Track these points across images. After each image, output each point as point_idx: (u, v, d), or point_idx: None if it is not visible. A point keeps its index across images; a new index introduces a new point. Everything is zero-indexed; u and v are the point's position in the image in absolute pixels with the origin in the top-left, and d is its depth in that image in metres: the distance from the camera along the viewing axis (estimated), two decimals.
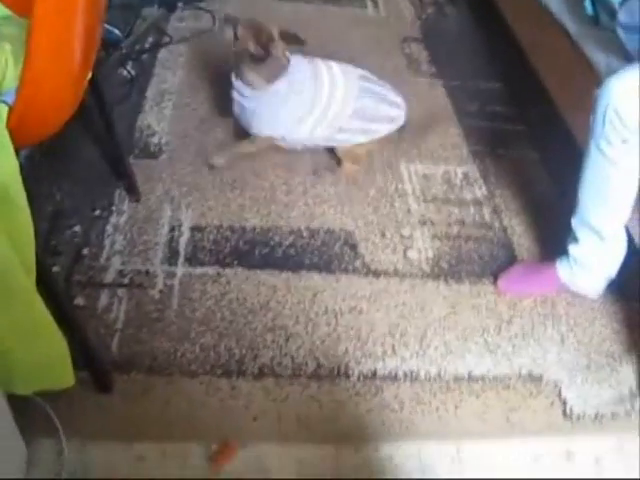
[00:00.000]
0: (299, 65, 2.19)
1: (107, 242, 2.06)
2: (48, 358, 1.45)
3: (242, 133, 2.36)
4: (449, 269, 2.13)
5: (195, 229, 2.14)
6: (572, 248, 1.97)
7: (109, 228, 2.10)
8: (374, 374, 1.81)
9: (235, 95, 2.22)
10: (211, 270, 2.02)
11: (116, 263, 2.00)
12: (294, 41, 2.14)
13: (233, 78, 2.19)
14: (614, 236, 1.91)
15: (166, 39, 3.01)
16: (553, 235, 2.14)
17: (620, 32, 1.98)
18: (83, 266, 1.98)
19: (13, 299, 1.31)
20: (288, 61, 2.15)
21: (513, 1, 3.03)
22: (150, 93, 2.70)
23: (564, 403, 1.80)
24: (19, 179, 1.25)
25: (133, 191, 2.21)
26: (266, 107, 2.19)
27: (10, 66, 1.20)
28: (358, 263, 2.11)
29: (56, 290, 1.56)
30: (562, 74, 2.46)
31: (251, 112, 2.21)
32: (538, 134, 2.69)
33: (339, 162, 2.40)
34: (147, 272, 1.99)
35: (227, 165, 2.34)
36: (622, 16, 1.98)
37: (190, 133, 2.52)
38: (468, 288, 2.08)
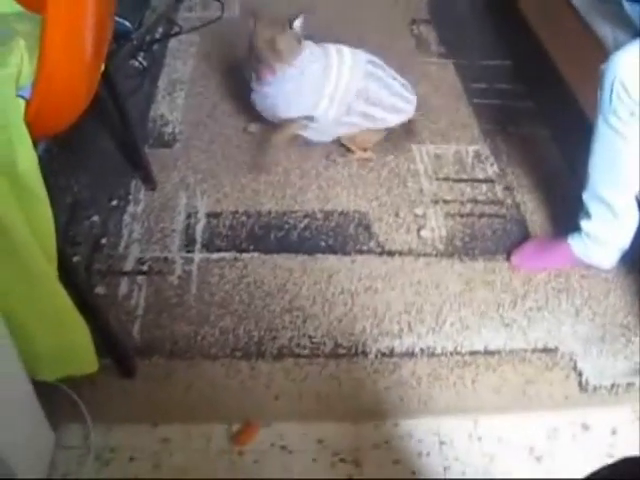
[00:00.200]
0: (310, 47, 2.24)
1: (125, 231, 2.10)
2: (72, 344, 1.49)
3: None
4: (463, 247, 2.14)
5: (211, 215, 2.17)
6: (584, 222, 1.98)
7: (126, 217, 2.14)
8: (391, 351, 1.83)
9: (255, 86, 2.27)
10: (228, 255, 2.05)
11: (135, 251, 2.04)
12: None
13: (251, 70, 2.25)
14: (626, 208, 1.91)
15: (176, 29, 3.03)
16: (565, 210, 2.15)
17: (626, 5, 1.98)
18: (102, 255, 2.02)
19: (36, 287, 1.35)
20: (300, 41, 2.20)
21: None
22: (162, 83, 2.74)
23: (580, 375, 1.81)
24: (38, 172, 1.28)
25: (149, 180, 2.25)
26: (289, 86, 2.23)
27: (25, 62, 1.23)
28: (372, 243, 2.13)
29: (77, 279, 1.60)
30: (570, 49, 2.46)
31: (274, 96, 2.25)
32: (548, 111, 2.68)
33: (348, 150, 2.43)
34: (165, 259, 2.02)
35: (267, 168, 2.35)
36: None
37: (203, 121, 2.55)
38: (482, 265, 2.09)
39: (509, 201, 2.31)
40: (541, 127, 2.65)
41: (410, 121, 2.46)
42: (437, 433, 1.67)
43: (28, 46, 1.24)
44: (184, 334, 1.82)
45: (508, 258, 2.10)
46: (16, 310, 1.34)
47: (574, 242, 2.02)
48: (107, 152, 2.33)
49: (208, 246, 2.08)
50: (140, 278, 1.97)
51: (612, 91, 1.69)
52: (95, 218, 2.13)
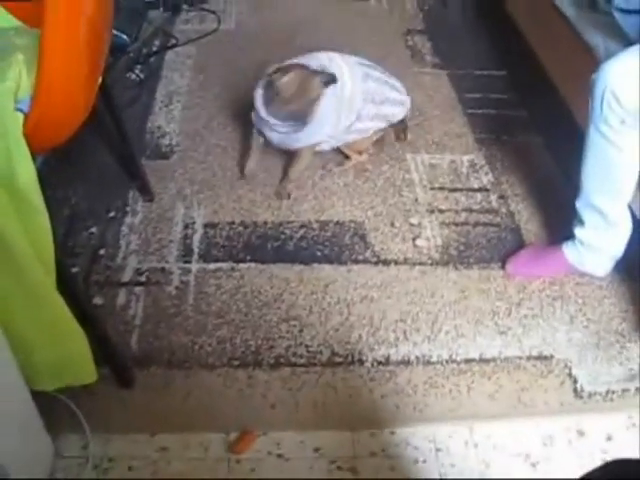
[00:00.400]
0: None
1: (123, 242, 2.11)
2: (70, 355, 1.50)
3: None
4: (458, 255, 2.16)
5: (208, 226, 2.19)
6: (578, 230, 2.00)
7: (124, 228, 2.16)
8: (387, 360, 1.84)
9: (277, 127, 2.20)
10: (225, 265, 2.06)
11: (132, 262, 2.05)
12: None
13: (264, 114, 2.18)
14: (619, 216, 1.93)
15: (172, 41, 3.06)
16: (560, 218, 2.16)
17: (617, 15, 2.00)
18: (100, 266, 2.03)
19: (35, 298, 1.36)
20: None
21: None
22: (159, 95, 2.76)
23: (575, 382, 1.82)
24: (37, 184, 1.30)
25: (146, 191, 2.26)
26: (313, 122, 2.19)
27: (24, 76, 1.25)
28: (368, 253, 2.14)
29: (76, 290, 1.61)
30: (562, 59, 2.48)
31: (296, 132, 2.20)
32: (541, 119, 2.71)
33: (346, 157, 2.45)
34: (163, 269, 2.04)
35: (288, 195, 2.33)
36: None
37: (200, 132, 2.57)
38: (477, 273, 2.11)
39: (504, 210, 2.33)
40: (535, 135, 2.67)
41: (402, 122, 2.47)
42: (433, 440, 1.68)
43: (27, 60, 1.26)
44: (182, 344, 1.84)
45: (503, 266, 2.11)
46: (15, 321, 1.35)
47: (568, 250, 2.04)
48: (105, 164, 2.33)
49: (205, 256, 2.09)
50: (138, 289, 1.98)
51: (603, 100, 1.71)
52: (93, 229, 2.14)
